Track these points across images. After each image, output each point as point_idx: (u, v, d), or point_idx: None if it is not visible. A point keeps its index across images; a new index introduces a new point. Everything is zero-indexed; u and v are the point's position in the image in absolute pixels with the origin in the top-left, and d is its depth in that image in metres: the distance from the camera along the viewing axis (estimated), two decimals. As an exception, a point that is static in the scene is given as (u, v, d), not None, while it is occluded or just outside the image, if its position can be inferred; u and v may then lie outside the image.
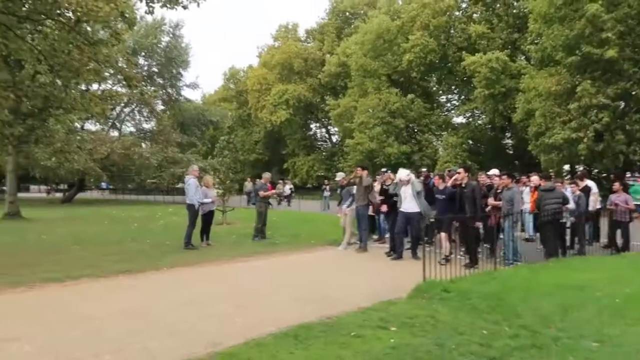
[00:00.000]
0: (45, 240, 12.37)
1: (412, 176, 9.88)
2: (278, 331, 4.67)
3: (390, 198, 10.08)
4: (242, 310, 5.63)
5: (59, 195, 45.95)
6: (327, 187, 27.48)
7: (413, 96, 34.86)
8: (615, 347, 4.13)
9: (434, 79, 38.22)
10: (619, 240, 10.19)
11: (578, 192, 10.22)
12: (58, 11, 11.71)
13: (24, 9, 11.70)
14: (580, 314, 5.04)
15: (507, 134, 34.76)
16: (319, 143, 50.79)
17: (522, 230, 11.52)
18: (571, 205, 9.49)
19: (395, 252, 9.55)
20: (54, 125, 19.22)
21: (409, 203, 9.36)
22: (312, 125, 50.45)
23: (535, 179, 10.49)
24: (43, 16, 11.87)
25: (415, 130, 37.04)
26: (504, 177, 9.01)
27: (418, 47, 32.68)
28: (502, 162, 32.67)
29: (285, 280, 7.45)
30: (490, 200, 9.20)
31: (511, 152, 35.30)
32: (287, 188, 31.15)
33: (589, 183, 11.35)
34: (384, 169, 10.86)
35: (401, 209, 9.49)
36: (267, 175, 13.46)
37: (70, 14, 11.46)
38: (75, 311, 5.62)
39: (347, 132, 37.75)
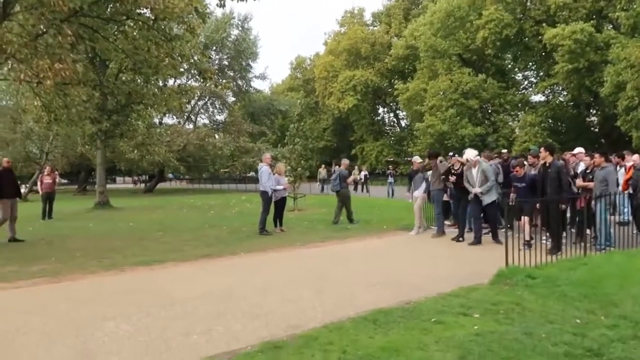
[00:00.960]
0: (132, 227, 13.20)
1: (480, 159, 9.46)
2: (356, 315, 4.65)
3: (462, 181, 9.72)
4: (318, 294, 5.67)
5: (142, 185, 48.85)
6: (391, 173, 27.02)
7: (485, 76, 33.38)
8: None
9: (509, 55, 36.34)
10: None
11: None
12: (138, 11, 12.34)
13: (107, 11, 12.44)
14: (687, 303, 4.60)
15: (591, 110, 32.44)
16: (388, 128, 50.16)
17: (613, 213, 10.71)
18: None
19: (474, 237, 9.22)
20: (135, 120, 20.37)
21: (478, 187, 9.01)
22: (380, 111, 49.87)
23: (635, 157, 9.67)
24: (124, 17, 12.58)
25: (490, 110, 35.55)
26: (597, 155, 8.37)
27: (493, 23, 31.15)
28: (585, 141, 30.58)
29: (360, 265, 7.41)
30: (579, 182, 8.62)
31: (596, 129, 32.94)
32: (363, 174, 31.16)
33: None
34: (451, 153, 10.47)
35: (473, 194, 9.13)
36: (346, 161, 13.52)
37: (149, 13, 12.02)
38: (164, 293, 5.92)
39: (416, 116, 36.96)
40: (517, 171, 8.87)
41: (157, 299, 5.68)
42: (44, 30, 11.18)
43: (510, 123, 35.08)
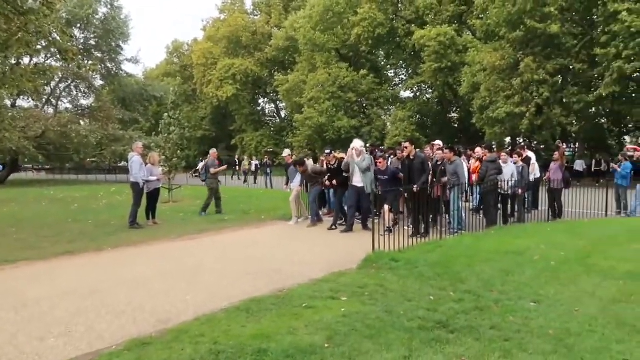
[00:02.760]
0: (-23, 224, 11.66)
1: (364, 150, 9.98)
2: (230, 306, 4.65)
3: (339, 175, 10.13)
4: (192, 287, 5.56)
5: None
6: (268, 164, 27.28)
7: (365, 71, 35.01)
8: (551, 306, 4.40)
9: (382, 53, 38.46)
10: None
11: (520, 163, 10.70)
12: (-20, -24, 10.79)
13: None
14: (519, 277, 5.33)
15: (453, 107, 35.66)
16: (268, 119, 50.23)
17: (467, 200, 11.98)
18: (514, 175, 9.94)
19: (345, 225, 9.69)
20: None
21: (358, 177, 9.48)
22: (261, 101, 49.77)
23: (478, 150, 10.88)
24: (-37, -19, 10.91)
25: (364, 104, 37.35)
26: (447, 150, 9.29)
27: (367, 21, 32.66)
28: (448, 136, 33.62)
29: (236, 255, 7.40)
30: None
31: (456, 125, 36.32)
32: (254, 164, 30.84)
33: (529, 154, 11.94)
34: (327, 150, 10.88)
35: (352, 183, 9.59)
36: (213, 151, 13.32)
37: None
38: (16, 295, 5.36)
39: (296, 108, 37.53)
40: (380, 163, 9.47)
41: (6, 300, 5.12)
42: None
43: (383, 117, 37.21)
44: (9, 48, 11.67)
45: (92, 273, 6.40)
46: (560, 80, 22.59)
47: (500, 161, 9.80)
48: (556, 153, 11.26)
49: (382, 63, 40.02)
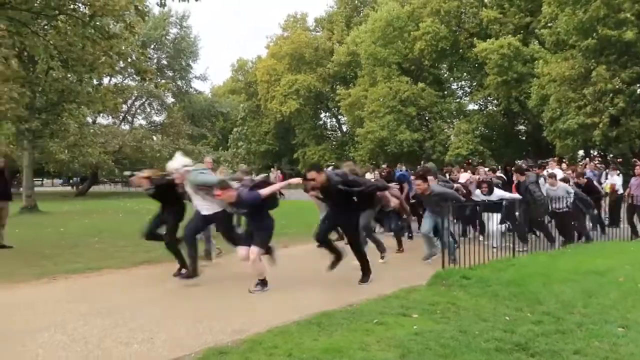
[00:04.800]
0: (63, 233, 12.55)
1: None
2: (301, 319, 4.72)
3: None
4: (265, 297, 5.68)
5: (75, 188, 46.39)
6: None
7: (423, 85, 34.65)
8: (640, 331, 4.13)
9: (445, 66, 37.92)
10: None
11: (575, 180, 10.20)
12: (72, 6, 11.80)
13: (35, 4, 11.80)
14: (602, 299, 5.04)
15: (520, 120, 34.45)
16: (329, 132, 50.72)
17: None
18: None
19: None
20: (67, 120, 19.37)
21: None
22: (322, 115, 50.35)
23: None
24: (56, 11, 11.97)
25: (427, 117, 36.88)
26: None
27: (429, 35, 32.40)
28: (515, 149, 32.47)
29: (305, 266, 7.45)
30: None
31: (524, 138, 35.01)
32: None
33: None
34: (384, 165, 10.79)
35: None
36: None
37: (85, 9, 11.53)
38: (102, 301, 5.72)
39: (357, 121, 37.68)
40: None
41: (93, 306, 5.48)
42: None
43: (446, 130, 36.57)
44: (95, 70, 12.62)
45: (169, 281, 6.70)
46: (638, 90, 21.28)
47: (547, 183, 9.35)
48: (637, 167, 10.58)
49: (445, 76, 39.43)
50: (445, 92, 37.89)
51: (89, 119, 30.72)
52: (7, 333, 4.57)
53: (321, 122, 50.10)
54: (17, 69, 11.21)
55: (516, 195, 8.97)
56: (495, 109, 34.78)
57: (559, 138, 23.21)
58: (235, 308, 5.30)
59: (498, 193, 8.77)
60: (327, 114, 50.39)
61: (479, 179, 10.38)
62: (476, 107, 36.65)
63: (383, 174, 11.31)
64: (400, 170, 9.90)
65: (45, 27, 12.64)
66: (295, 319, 4.70)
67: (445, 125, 36.89)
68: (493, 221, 8.40)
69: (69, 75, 15.18)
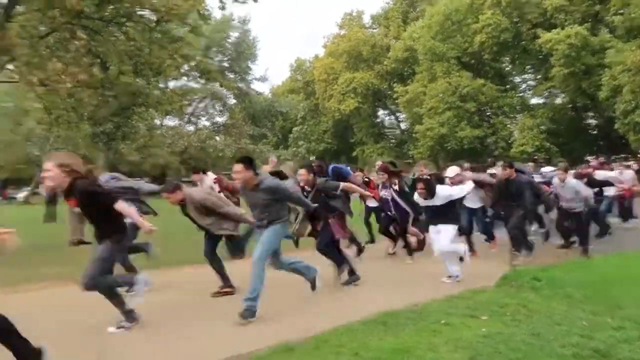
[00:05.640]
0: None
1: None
2: (365, 318, 4.71)
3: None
4: (332, 296, 5.72)
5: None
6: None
7: (484, 80, 33.57)
8: None
9: (507, 59, 36.52)
10: None
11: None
12: (139, 12, 12.41)
13: (106, 13, 12.50)
14: (690, 305, 4.68)
15: (590, 113, 32.60)
16: (388, 130, 50.24)
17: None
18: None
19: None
20: (136, 122, 20.39)
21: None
22: (380, 113, 49.92)
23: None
24: (125, 19, 12.64)
25: (488, 113, 35.70)
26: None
27: (490, 27, 31.33)
28: (584, 144, 30.76)
29: (372, 267, 7.41)
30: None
31: (594, 132, 33.09)
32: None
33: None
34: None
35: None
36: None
37: (152, 15, 12.10)
38: (171, 294, 5.93)
39: (416, 119, 37.09)
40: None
41: (164, 299, 5.71)
42: (48, 32, 11.25)
43: (508, 125, 35.23)
44: (162, 73, 13.23)
45: (244, 277, 6.74)
46: None
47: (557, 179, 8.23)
48: None
49: (507, 69, 37.97)
50: (507, 87, 36.49)
51: (157, 121, 32.16)
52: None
53: (379, 120, 49.72)
54: (98, 75, 11.98)
55: (465, 189, 6.77)
56: (561, 102, 33.10)
57: (633, 131, 21.76)
58: (300, 307, 5.37)
59: (443, 193, 6.34)
60: (386, 111, 49.92)
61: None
62: (541, 101, 35.01)
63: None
64: (338, 165, 8.10)
65: (116, 34, 13.34)
66: (360, 318, 4.70)
67: (507, 121, 35.57)
68: (443, 236, 6.29)
69: (138, 80, 15.96)
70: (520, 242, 7.50)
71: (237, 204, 6.92)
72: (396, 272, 7.04)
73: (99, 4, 11.80)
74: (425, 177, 6.63)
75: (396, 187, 7.65)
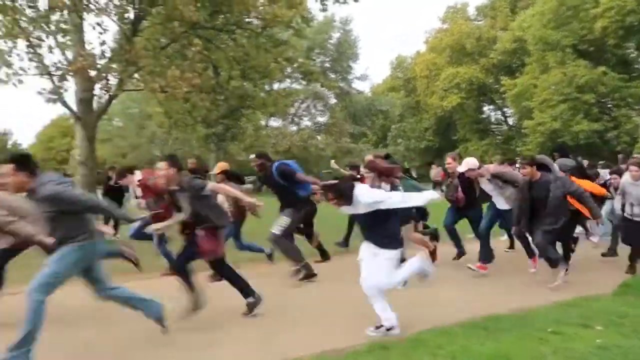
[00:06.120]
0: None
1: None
2: (466, 320, 4.59)
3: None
4: (431, 297, 5.65)
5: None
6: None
7: (605, 68, 30.61)
8: None
9: (633, 44, 32.93)
10: None
11: None
12: (247, 20, 13.17)
13: (217, 22, 13.42)
14: None
15: None
16: (494, 126, 47.87)
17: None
18: None
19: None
20: (244, 124, 21.57)
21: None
22: (486, 108, 47.70)
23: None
24: (235, 26, 13.48)
25: (609, 105, 32.55)
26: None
27: (612, 10, 28.50)
28: None
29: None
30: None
31: None
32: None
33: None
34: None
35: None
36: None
37: (258, 22, 12.79)
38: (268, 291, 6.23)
39: (525, 113, 34.91)
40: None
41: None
42: (168, 42, 12.34)
43: (634, 118, 31.82)
44: (267, 76, 13.93)
45: (343, 276, 6.87)
46: None
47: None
48: None
49: (633, 56, 34.23)
50: (633, 75, 32.92)
51: (262, 122, 33.70)
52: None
53: (484, 116, 47.55)
54: (210, 80, 12.97)
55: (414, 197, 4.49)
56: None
57: None
58: (398, 305, 5.35)
59: (364, 199, 4.28)
60: (491, 106, 47.59)
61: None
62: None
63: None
64: (285, 161, 7.08)
65: (226, 41, 14.25)
66: (461, 321, 4.59)
67: (633, 113, 32.12)
68: (377, 266, 4.45)
69: (245, 83, 16.90)
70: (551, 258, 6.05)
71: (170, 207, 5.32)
72: (498, 276, 6.73)
73: (212, 14, 12.73)
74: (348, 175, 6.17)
75: (388, 189, 5.68)
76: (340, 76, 40.71)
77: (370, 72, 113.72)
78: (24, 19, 10.10)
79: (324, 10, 15.43)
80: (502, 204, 6.71)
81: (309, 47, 37.12)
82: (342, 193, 4.31)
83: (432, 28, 50.60)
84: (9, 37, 9.86)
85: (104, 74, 10.71)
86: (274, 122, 40.03)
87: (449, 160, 7.26)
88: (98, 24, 11.20)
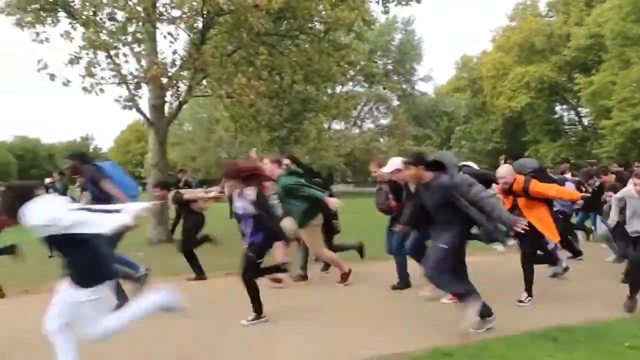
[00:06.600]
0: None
1: None
2: (534, 330, 4.41)
3: None
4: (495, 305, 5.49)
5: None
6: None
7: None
8: None
9: None
10: None
11: None
12: (310, 25, 13.35)
13: (280, 29, 13.72)
14: None
15: None
16: (567, 127, 45.44)
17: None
18: None
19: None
20: (307, 127, 21.83)
21: None
22: (558, 108, 45.38)
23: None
24: (298, 32, 13.72)
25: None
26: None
27: None
28: None
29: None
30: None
31: None
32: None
33: None
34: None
35: None
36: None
37: (320, 26, 12.95)
38: (313, 299, 6.29)
39: (602, 112, 32.87)
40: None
41: (307, 305, 6.06)
42: (234, 50, 12.77)
43: None
44: (330, 80, 14.06)
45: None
46: None
47: None
48: None
49: None
50: None
51: (325, 125, 34.02)
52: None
53: (556, 116, 45.26)
54: (273, 85, 13.30)
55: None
56: None
57: None
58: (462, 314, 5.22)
59: (34, 222, 3.10)
60: (564, 106, 45.20)
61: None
62: None
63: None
64: (100, 164, 5.79)
65: (290, 46, 14.53)
66: (528, 330, 4.42)
67: None
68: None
69: (308, 87, 17.15)
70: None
71: None
72: (569, 285, 6.40)
73: (275, 21, 13.03)
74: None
75: (253, 197, 4.77)
76: (403, 78, 40.28)
77: (434, 73, 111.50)
78: (104, 31, 10.81)
79: (386, 12, 15.38)
80: None
81: (371, 50, 37.04)
82: (7, 209, 3.20)
83: (499, 26, 48.97)
84: (91, 49, 10.57)
85: (174, 82, 11.24)
86: (336, 125, 40.30)
87: (373, 167, 6.43)
88: (169, 34, 11.81)
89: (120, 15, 10.78)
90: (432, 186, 4.44)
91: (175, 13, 10.90)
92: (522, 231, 4.18)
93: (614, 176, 7.74)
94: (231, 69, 12.28)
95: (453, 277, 4.46)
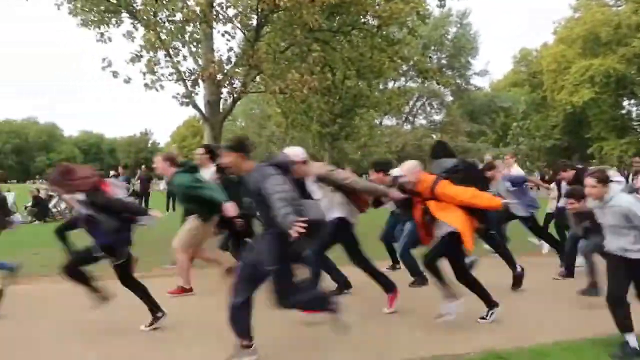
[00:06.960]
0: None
1: None
2: (596, 337, 4.22)
3: None
4: (551, 310, 5.28)
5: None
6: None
7: None
8: None
9: None
10: None
11: None
12: (363, 20, 13.30)
13: (333, 25, 13.74)
14: None
15: None
16: (635, 123, 42.87)
17: None
18: None
19: None
20: (358, 123, 21.79)
21: None
22: (625, 103, 42.87)
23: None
24: (350, 27, 13.71)
25: None
26: None
27: None
28: None
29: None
30: None
31: None
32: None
33: None
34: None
35: None
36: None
37: (374, 21, 12.88)
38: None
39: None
40: None
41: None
42: (287, 47, 12.93)
43: None
44: (382, 75, 13.95)
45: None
46: None
47: None
48: None
49: None
50: None
51: (376, 121, 33.83)
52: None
53: (624, 112, 42.77)
54: (326, 80, 13.38)
55: None
56: None
57: None
58: (519, 315, 5.05)
59: None
60: (633, 101, 42.64)
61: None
62: None
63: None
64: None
65: (342, 42, 14.53)
66: (589, 336, 4.23)
67: None
68: None
69: (360, 83, 17.10)
70: None
71: None
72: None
73: (328, 17, 13.06)
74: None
75: (83, 199, 4.46)
76: (458, 72, 39.33)
77: (491, 67, 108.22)
78: (163, 31, 11.23)
79: (442, 6, 15.07)
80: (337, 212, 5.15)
81: (425, 45, 36.38)
82: None
83: (561, 17, 46.78)
84: (152, 49, 11.01)
85: (229, 78, 11.51)
86: (388, 121, 39.92)
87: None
88: (226, 32, 12.09)
89: (178, 16, 11.15)
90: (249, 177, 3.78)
91: (231, 12, 11.14)
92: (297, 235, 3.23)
93: (572, 172, 6.99)
94: (284, 65, 12.44)
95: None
